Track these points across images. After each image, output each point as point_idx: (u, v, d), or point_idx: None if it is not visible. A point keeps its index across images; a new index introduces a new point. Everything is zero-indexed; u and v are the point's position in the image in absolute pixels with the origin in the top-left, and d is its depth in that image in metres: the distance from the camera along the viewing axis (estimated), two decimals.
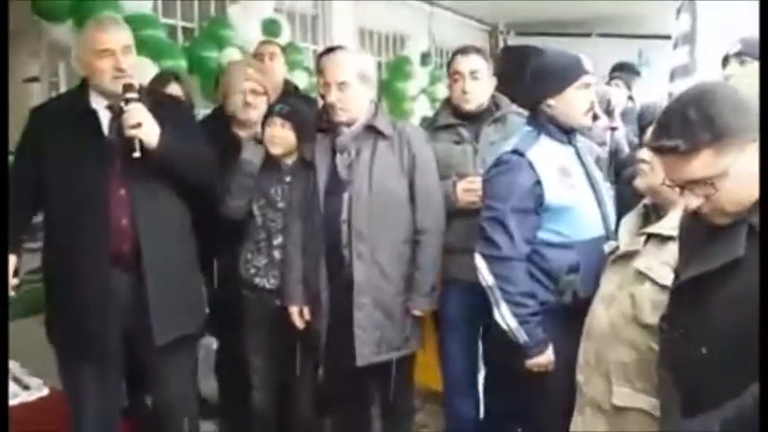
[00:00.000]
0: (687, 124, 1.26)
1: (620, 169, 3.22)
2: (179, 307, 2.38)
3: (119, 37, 2.24)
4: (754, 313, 1.19)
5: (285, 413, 2.83)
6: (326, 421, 3.02)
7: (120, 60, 2.21)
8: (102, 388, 2.34)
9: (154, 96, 2.38)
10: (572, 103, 2.24)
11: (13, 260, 2.21)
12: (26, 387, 1.09)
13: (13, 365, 1.13)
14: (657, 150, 1.33)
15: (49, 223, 2.29)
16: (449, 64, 2.80)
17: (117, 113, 2.24)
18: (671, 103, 1.37)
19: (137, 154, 2.19)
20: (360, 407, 2.84)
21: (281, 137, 2.62)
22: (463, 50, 2.75)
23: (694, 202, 1.31)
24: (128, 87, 2.21)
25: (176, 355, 2.38)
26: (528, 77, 2.30)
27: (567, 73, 2.24)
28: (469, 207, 2.58)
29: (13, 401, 1.09)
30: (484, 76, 2.70)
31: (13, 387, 1.13)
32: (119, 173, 2.25)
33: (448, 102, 2.81)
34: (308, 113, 2.72)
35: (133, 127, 2.19)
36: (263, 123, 2.69)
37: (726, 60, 2.18)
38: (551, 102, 2.23)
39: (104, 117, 2.27)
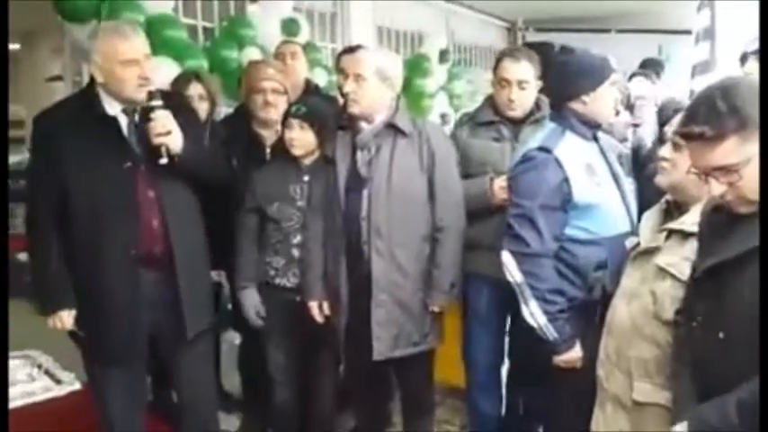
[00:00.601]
0: (714, 112, 1.34)
1: (642, 166, 3.22)
2: (203, 302, 2.48)
3: (140, 45, 2.27)
4: None
5: (307, 408, 2.85)
6: (347, 416, 3.06)
7: (145, 69, 2.25)
8: (129, 386, 2.38)
9: (171, 100, 2.41)
10: (602, 101, 2.26)
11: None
12: (58, 381, 1.12)
13: (46, 360, 1.16)
14: (686, 136, 1.40)
15: (75, 228, 2.26)
16: (496, 65, 2.74)
17: (144, 120, 2.27)
18: (699, 93, 1.45)
19: (164, 160, 2.25)
20: (380, 401, 2.86)
21: (300, 138, 2.64)
22: (513, 55, 2.70)
23: (718, 189, 1.37)
24: (152, 95, 2.26)
25: (198, 348, 2.46)
26: (562, 75, 2.30)
27: (601, 71, 2.26)
28: (503, 204, 2.57)
29: (45, 395, 1.12)
30: (531, 84, 2.68)
31: (46, 381, 1.16)
32: (145, 175, 2.29)
33: (490, 99, 2.79)
34: (326, 112, 2.74)
35: (161, 134, 2.24)
36: (283, 124, 2.71)
37: (744, 58, 2.17)
38: (586, 99, 2.24)
39: (122, 121, 2.30)
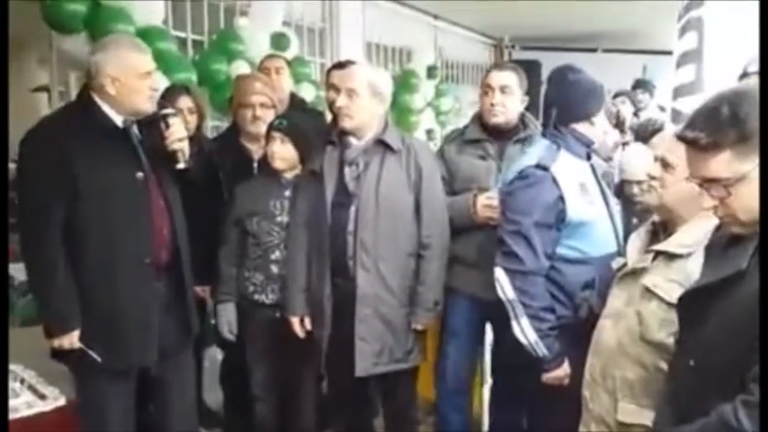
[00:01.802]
0: (715, 120, 1.25)
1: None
2: (193, 313, 2.51)
3: (151, 57, 2.33)
4: (746, 330, 1.18)
5: (288, 424, 2.83)
6: None
7: (155, 80, 2.34)
8: (125, 402, 2.35)
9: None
10: (605, 121, 2.32)
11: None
12: (42, 396, 1.09)
13: (29, 375, 1.13)
14: (681, 140, 1.32)
15: (87, 240, 2.21)
16: (483, 79, 2.81)
17: (150, 128, 2.32)
18: (708, 98, 1.33)
19: (182, 165, 2.33)
20: (363, 418, 2.85)
21: (281, 152, 2.65)
22: (499, 66, 2.83)
23: (708, 202, 1.30)
24: (163, 104, 2.35)
25: (180, 363, 2.48)
26: (574, 94, 2.29)
27: (602, 92, 2.31)
28: (486, 222, 2.61)
29: (29, 411, 1.10)
30: (514, 92, 2.71)
31: (30, 397, 1.14)
32: (155, 185, 2.32)
33: (478, 116, 2.82)
34: (307, 127, 2.75)
35: (180, 140, 2.31)
36: (266, 138, 2.71)
37: (744, 77, 2.17)
38: (594, 119, 2.27)
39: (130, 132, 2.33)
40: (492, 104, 2.69)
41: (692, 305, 1.39)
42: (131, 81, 2.24)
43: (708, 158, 1.26)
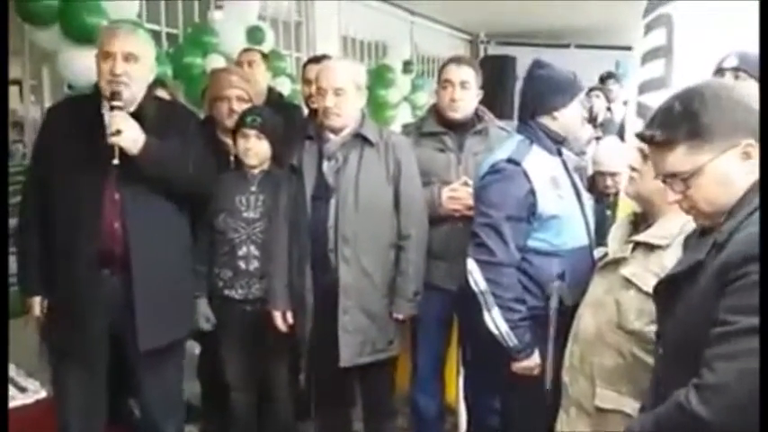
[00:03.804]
0: (670, 117, 1.31)
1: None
2: (167, 312, 2.38)
3: (125, 43, 2.26)
4: (704, 318, 1.22)
5: (265, 416, 2.85)
6: (308, 424, 3.06)
7: (116, 65, 2.23)
8: (88, 389, 2.36)
9: (156, 103, 2.43)
10: (571, 117, 2.33)
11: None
12: (23, 389, 1.09)
13: (10, 368, 1.13)
14: (640, 138, 1.38)
15: (46, 223, 2.31)
16: (440, 72, 2.83)
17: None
18: (665, 98, 1.39)
19: (115, 161, 2.22)
20: (342, 408, 2.87)
21: (256, 148, 2.66)
22: (456, 60, 2.80)
23: (672, 196, 1.35)
24: (115, 94, 2.23)
25: (163, 359, 2.41)
26: (536, 89, 2.33)
27: (572, 87, 2.33)
28: (451, 214, 2.65)
29: (11, 404, 1.10)
30: (473, 86, 2.75)
31: (10, 390, 1.14)
32: (115, 178, 2.28)
33: (434, 109, 2.84)
34: (279, 123, 2.76)
35: (113, 134, 2.21)
36: (235, 134, 2.70)
37: (720, 73, 2.20)
38: (556, 114, 2.30)
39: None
40: (452, 100, 2.72)
41: (662, 295, 1.43)
42: (97, 61, 2.27)
43: (665, 154, 1.32)
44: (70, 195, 2.27)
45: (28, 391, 1.06)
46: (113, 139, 2.21)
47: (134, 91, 2.29)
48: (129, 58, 2.26)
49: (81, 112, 2.34)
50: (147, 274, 2.30)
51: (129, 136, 2.23)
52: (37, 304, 2.36)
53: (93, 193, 2.27)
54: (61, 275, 2.31)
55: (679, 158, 1.30)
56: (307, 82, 3.45)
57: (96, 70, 2.29)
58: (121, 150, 2.22)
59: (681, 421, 1.21)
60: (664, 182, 1.36)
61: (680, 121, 1.29)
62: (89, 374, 2.35)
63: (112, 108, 2.23)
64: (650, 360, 1.65)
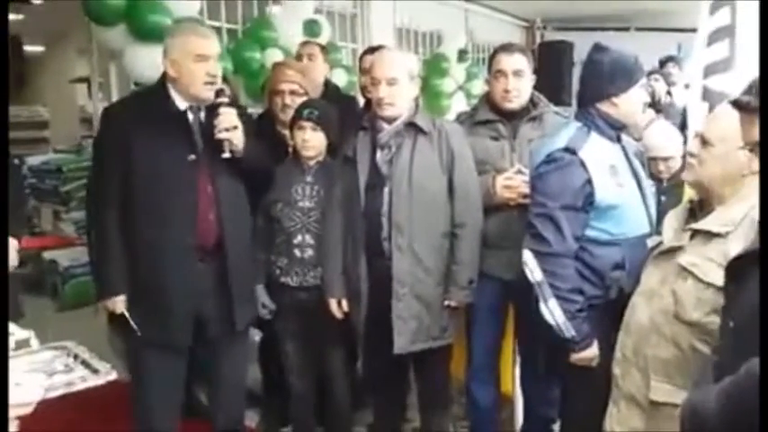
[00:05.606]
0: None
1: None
2: (250, 296, 2.65)
3: (214, 45, 2.41)
4: None
5: (324, 403, 2.92)
6: (366, 411, 3.11)
7: (214, 66, 2.38)
8: (171, 376, 2.47)
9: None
10: (632, 103, 2.25)
11: None
12: (95, 371, 1.16)
13: (82, 350, 1.21)
14: (735, 105, 1.34)
15: (137, 215, 2.37)
16: (490, 61, 2.77)
17: (210, 116, 2.40)
18: None
19: (227, 154, 2.39)
20: (398, 397, 2.91)
21: (313, 140, 2.72)
22: (507, 48, 2.74)
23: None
24: (220, 92, 2.40)
25: (237, 342, 2.59)
26: (594, 74, 2.26)
27: (633, 72, 2.24)
28: (506, 203, 2.63)
29: (84, 384, 1.19)
30: (526, 74, 2.69)
31: (83, 371, 1.22)
32: (206, 170, 2.40)
33: (487, 97, 2.81)
34: (335, 115, 2.81)
35: (227, 130, 2.37)
36: (292, 126, 2.77)
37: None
38: (616, 100, 2.23)
39: (190, 117, 2.42)
40: (506, 90, 2.66)
41: (735, 272, 1.40)
42: (188, 64, 2.34)
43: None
44: (162, 189, 2.35)
45: (100, 373, 1.12)
46: (227, 135, 2.37)
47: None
48: (217, 59, 2.42)
49: (154, 109, 2.41)
50: (239, 260, 2.48)
51: (239, 132, 2.40)
52: (121, 302, 2.39)
53: (189, 187, 2.38)
54: (149, 267, 2.38)
55: None
56: (363, 72, 3.49)
57: (182, 70, 2.35)
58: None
59: (757, 391, 1.18)
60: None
61: None
62: (173, 361, 2.46)
63: (220, 105, 2.38)
64: (707, 351, 1.62)
